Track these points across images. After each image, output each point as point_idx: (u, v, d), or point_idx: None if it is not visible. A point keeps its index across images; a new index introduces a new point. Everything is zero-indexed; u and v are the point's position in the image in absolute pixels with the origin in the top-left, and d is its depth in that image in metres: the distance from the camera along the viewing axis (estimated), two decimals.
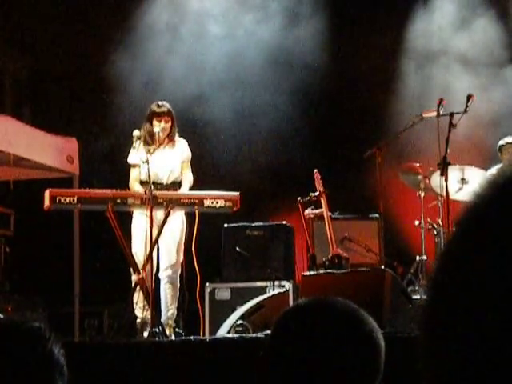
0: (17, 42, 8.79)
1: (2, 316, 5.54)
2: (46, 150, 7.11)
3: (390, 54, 8.30)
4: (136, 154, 5.91)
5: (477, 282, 0.63)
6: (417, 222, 6.87)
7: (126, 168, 6.08)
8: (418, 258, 6.86)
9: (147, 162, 5.64)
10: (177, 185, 6.05)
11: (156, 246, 5.78)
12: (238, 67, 8.11)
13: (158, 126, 5.89)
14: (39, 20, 8.37)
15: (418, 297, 6.17)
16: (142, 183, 5.87)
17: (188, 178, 6.08)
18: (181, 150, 6.09)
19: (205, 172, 6.95)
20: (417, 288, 6.61)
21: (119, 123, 7.79)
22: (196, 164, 6.24)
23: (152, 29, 8.25)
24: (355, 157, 6.94)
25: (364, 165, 6.95)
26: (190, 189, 6.05)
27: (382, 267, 5.64)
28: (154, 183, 5.69)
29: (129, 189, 5.93)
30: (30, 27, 8.47)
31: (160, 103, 5.97)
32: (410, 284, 6.68)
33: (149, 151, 5.81)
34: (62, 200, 5.53)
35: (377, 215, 6.87)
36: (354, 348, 1.42)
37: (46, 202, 5.57)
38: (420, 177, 6.85)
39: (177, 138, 6.11)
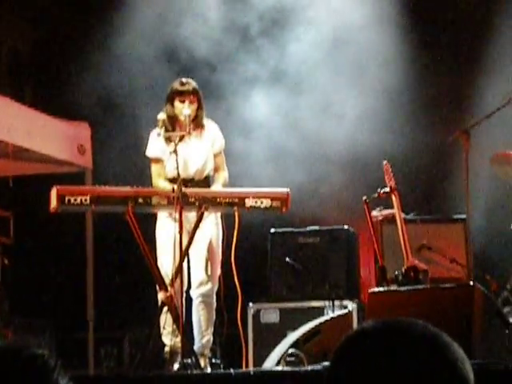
0: (16, 8, 8.78)
1: None
2: (52, 138, 7.10)
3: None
4: (157, 145, 5.91)
5: None
6: None
7: (148, 162, 6.10)
8: None
9: (175, 151, 5.61)
10: (209, 181, 6.03)
11: (187, 257, 5.78)
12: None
13: (183, 109, 5.82)
14: None
15: None
16: (171, 181, 5.85)
17: (222, 175, 6.06)
18: (212, 137, 6.03)
19: (244, 164, 7.01)
20: None
21: (141, 106, 7.74)
22: (231, 154, 6.22)
23: None
24: (435, 143, 6.92)
25: (447, 153, 6.88)
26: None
27: (471, 283, 5.54)
28: (182, 180, 5.66)
29: (152, 187, 5.96)
30: None
31: (184, 80, 5.95)
32: (506, 304, 6.59)
33: (169, 139, 5.76)
34: (72, 200, 5.53)
35: (463, 216, 6.79)
36: (436, 383, 1.39)
37: (53, 203, 5.59)
38: None
39: (205, 121, 6.06)
